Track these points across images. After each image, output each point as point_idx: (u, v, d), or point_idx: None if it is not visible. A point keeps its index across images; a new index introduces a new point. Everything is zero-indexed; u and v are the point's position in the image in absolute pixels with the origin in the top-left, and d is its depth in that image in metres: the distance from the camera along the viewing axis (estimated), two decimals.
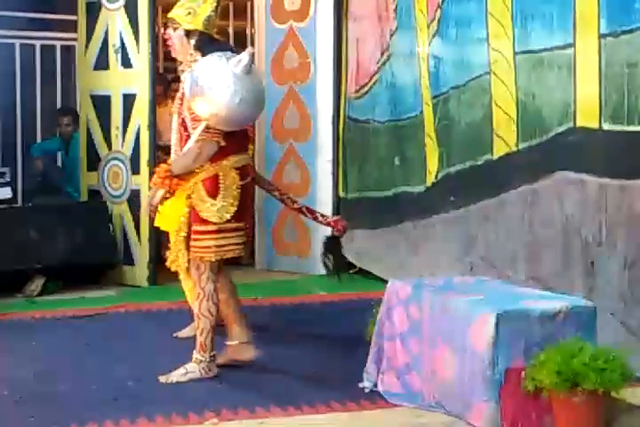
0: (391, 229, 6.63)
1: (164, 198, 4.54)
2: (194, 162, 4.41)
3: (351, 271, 7.21)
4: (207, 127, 4.36)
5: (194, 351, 4.53)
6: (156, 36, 6.91)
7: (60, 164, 8.35)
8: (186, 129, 4.51)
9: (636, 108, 4.38)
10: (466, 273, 5.54)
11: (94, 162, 7.06)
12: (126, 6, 6.78)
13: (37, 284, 6.48)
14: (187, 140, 4.48)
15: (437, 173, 6.10)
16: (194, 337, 4.64)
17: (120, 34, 6.84)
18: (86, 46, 7.09)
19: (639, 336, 4.33)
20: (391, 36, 6.62)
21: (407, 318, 4.18)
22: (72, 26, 7.46)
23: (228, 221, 4.43)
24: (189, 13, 4.46)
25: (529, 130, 5.15)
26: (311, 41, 7.32)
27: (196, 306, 4.53)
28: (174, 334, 5.30)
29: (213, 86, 4.24)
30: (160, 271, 5.77)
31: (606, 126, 4.56)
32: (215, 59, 4.32)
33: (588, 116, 4.66)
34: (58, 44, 8.49)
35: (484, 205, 5.54)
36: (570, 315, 3.81)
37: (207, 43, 4.51)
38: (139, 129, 6.74)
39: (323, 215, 5.08)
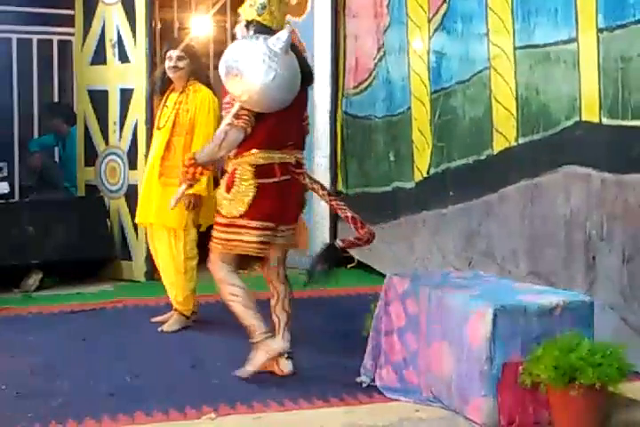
0: (389, 224, 6.64)
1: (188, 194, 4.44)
2: (218, 149, 4.27)
3: (349, 266, 7.23)
4: (237, 114, 4.22)
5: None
6: (154, 30, 6.89)
7: (57, 159, 8.35)
8: None
9: (629, 102, 4.39)
10: (464, 268, 5.55)
11: (92, 157, 7.06)
12: (123, 1, 6.77)
13: (35, 279, 6.48)
14: None
15: (429, 168, 6.10)
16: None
17: (117, 28, 6.83)
18: (83, 41, 7.08)
19: (638, 330, 4.34)
20: (384, 31, 6.63)
21: (404, 312, 4.18)
22: (69, 20, 7.44)
23: (241, 216, 4.30)
24: (250, 5, 4.40)
25: (531, 125, 5.15)
26: (309, 36, 7.31)
27: (222, 296, 4.47)
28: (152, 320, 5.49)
29: (247, 63, 4.15)
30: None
31: (605, 121, 4.56)
32: (248, 39, 4.28)
33: (590, 111, 4.67)
34: (55, 38, 8.48)
35: (484, 200, 5.55)
36: (567, 310, 3.81)
37: (261, 31, 4.34)
38: (136, 124, 6.73)
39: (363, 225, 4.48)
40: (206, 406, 4.00)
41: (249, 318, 4.39)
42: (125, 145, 6.82)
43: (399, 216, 6.52)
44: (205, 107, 5.30)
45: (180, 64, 5.34)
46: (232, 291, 4.41)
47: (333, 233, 7.29)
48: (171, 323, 5.41)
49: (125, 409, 3.98)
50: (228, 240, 4.36)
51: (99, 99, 6.97)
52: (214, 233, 4.43)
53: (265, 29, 4.32)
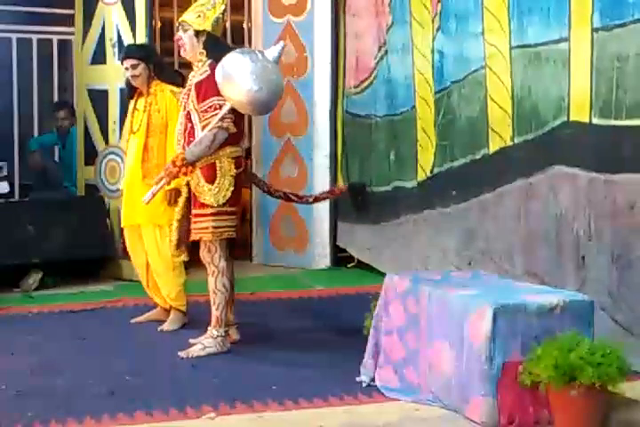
0: (390, 224, 6.64)
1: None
2: (209, 148, 4.77)
3: (349, 265, 7.23)
4: (223, 117, 4.73)
5: (209, 327, 4.86)
6: (154, 30, 6.88)
7: (57, 158, 8.34)
8: (190, 121, 4.85)
9: (624, 102, 4.38)
10: (464, 267, 5.55)
11: (91, 156, 7.06)
12: (123, 0, 6.77)
13: (35, 278, 6.48)
14: (191, 132, 4.83)
15: (433, 167, 6.10)
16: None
17: (117, 28, 6.83)
18: (83, 40, 7.08)
19: (628, 330, 4.34)
20: (387, 30, 6.62)
21: (404, 312, 4.18)
22: (69, 20, 7.44)
23: (224, 204, 4.79)
24: (199, 16, 4.87)
25: (524, 124, 5.15)
26: (308, 35, 7.31)
27: (212, 282, 4.86)
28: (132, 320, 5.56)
29: (238, 73, 4.65)
30: None
31: (595, 121, 4.56)
32: (239, 52, 4.82)
33: (579, 111, 4.66)
34: (54, 38, 8.45)
35: (483, 200, 5.55)
36: (567, 309, 3.81)
37: (213, 43, 4.88)
38: None
39: (311, 195, 5.69)
40: (206, 406, 4.00)
41: (224, 313, 4.86)
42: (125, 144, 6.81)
43: (400, 215, 6.52)
44: (174, 105, 5.31)
45: (136, 72, 5.39)
46: (225, 284, 4.86)
47: (333, 234, 7.29)
48: (170, 322, 5.41)
49: (125, 409, 3.98)
50: (218, 227, 4.81)
51: (98, 98, 6.97)
52: (199, 224, 4.82)
53: (214, 38, 4.89)
